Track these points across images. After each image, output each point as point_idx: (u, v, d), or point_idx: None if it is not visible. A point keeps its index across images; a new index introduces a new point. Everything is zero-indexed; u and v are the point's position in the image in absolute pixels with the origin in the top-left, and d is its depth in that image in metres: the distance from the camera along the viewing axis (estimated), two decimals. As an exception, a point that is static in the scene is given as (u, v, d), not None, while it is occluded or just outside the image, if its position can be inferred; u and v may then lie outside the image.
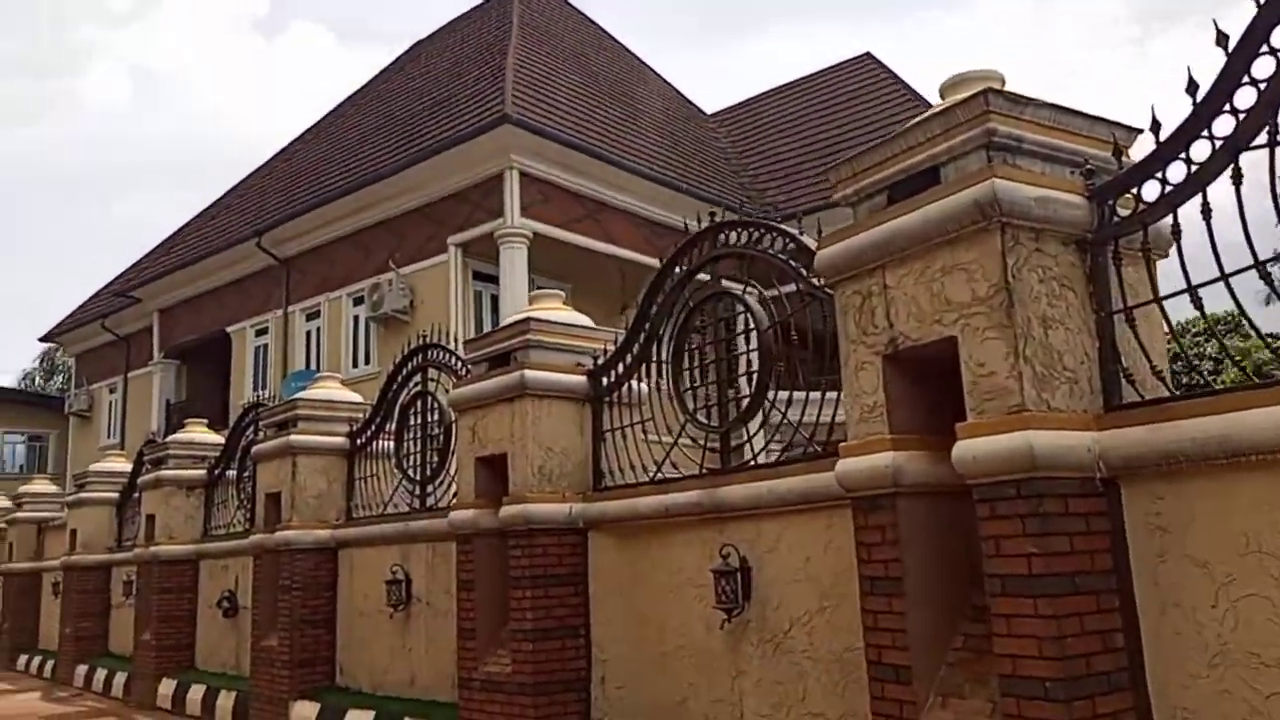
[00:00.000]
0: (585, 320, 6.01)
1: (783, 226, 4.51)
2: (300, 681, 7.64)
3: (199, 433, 11.10)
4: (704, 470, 4.83)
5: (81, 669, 12.10)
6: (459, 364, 6.98)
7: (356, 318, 15.71)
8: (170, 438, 11.14)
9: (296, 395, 8.37)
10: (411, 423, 7.57)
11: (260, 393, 16.04)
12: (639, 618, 5.16)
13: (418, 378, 7.55)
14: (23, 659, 14.48)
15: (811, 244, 4.23)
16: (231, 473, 10.27)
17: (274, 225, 16.73)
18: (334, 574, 7.99)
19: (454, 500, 6.23)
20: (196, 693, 9.18)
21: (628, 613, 5.25)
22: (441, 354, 7.27)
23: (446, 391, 7.15)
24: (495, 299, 14.36)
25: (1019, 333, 2.85)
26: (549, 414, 5.61)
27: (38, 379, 42.24)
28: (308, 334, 16.77)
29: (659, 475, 5.18)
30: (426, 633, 6.84)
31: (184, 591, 10.35)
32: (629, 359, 5.58)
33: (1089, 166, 3.13)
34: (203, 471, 10.65)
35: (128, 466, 12.97)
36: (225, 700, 8.66)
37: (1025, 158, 3.07)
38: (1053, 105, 3.11)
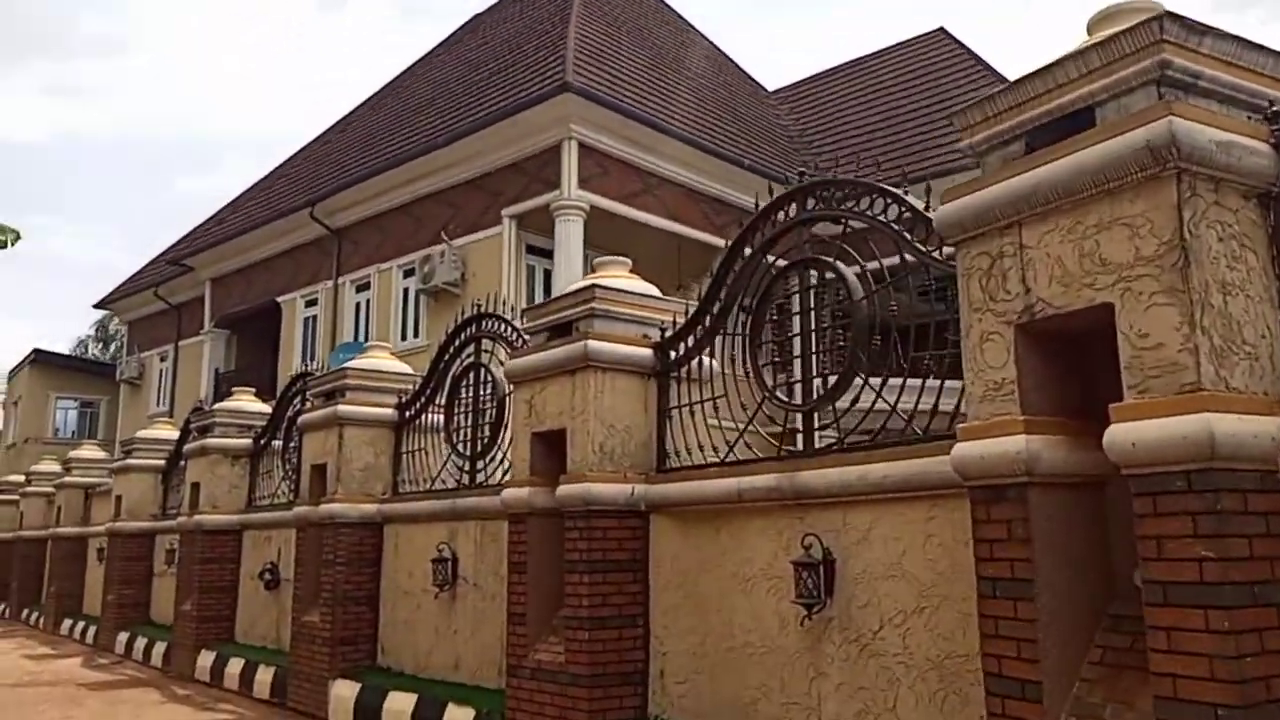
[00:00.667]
0: (652, 289, 5.66)
1: (886, 187, 4.08)
2: (341, 660, 7.45)
3: (246, 401, 11.01)
4: (783, 452, 4.46)
5: (123, 636, 12.15)
6: (515, 335, 6.69)
7: (407, 290, 15.57)
8: (217, 405, 11.07)
9: (345, 364, 8.17)
10: (462, 396, 7.31)
11: (309, 364, 15.98)
12: (704, 609, 4.83)
13: (470, 349, 7.29)
14: (67, 623, 14.67)
15: (919, 205, 3.85)
16: (277, 443, 10.15)
17: (327, 195, 16.66)
18: (378, 550, 7.78)
19: (507, 477, 5.94)
20: (235, 666, 9.09)
21: (691, 603, 4.91)
22: (496, 324, 6.99)
23: (500, 364, 6.89)
24: (548, 274, 14.07)
25: (1195, 299, 2.48)
26: (612, 388, 5.28)
27: (91, 347, 43.23)
28: (357, 306, 16.69)
29: (730, 457, 4.82)
30: (473, 615, 6.58)
31: (226, 562, 10.28)
32: (700, 331, 5.23)
33: (1275, 109, 2.75)
34: (249, 441, 10.56)
35: (174, 434, 12.99)
36: (264, 675, 8.53)
37: (1201, 97, 2.69)
38: (1235, 38, 2.75)
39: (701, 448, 5.31)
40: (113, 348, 39.45)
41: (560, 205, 12.92)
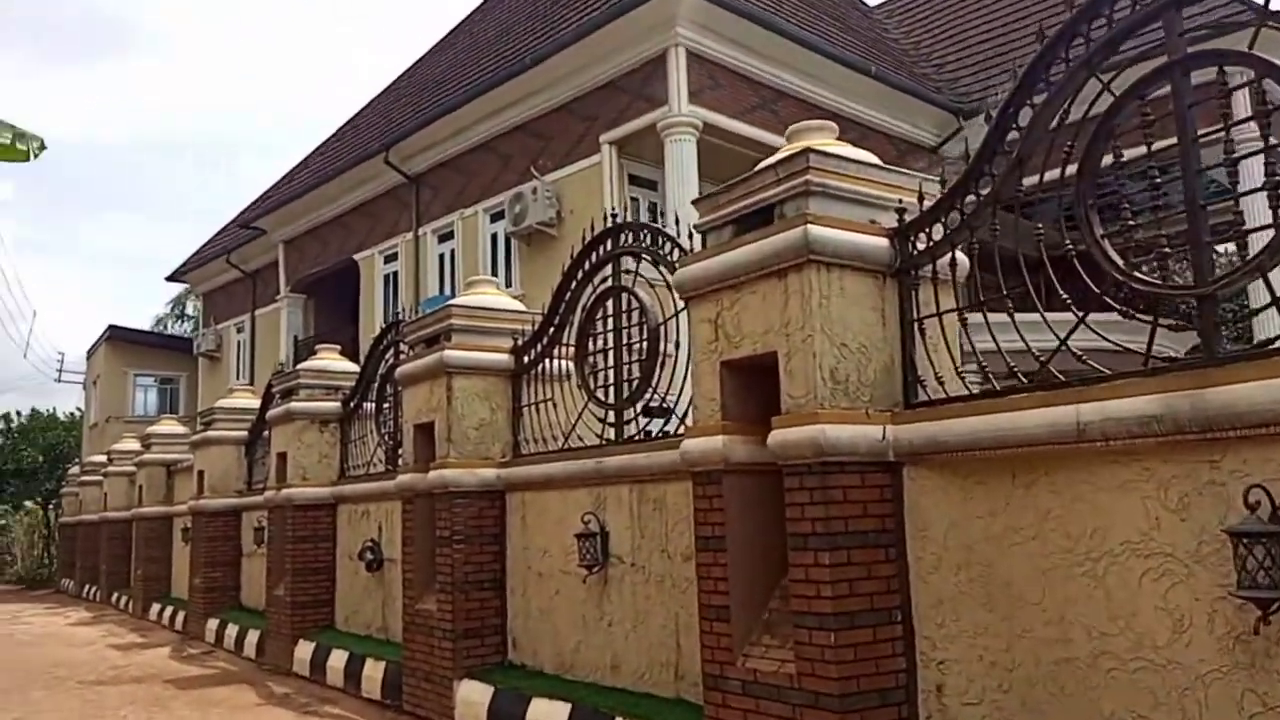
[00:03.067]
0: (876, 159, 4.18)
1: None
2: (465, 656, 6.28)
3: (332, 360, 9.92)
4: (1179, 357, 2.98)
5: (212, 623, 11.35)
6: (669, 248, 5.32)
7: (495, 235, 14.33)
8: (301, 365, 10.01)
9: (450, 302, 6.91)
10: (598, 330, 5.98)
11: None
12: (1008, 600, 3.41)
13: (607, 270, 5.94)
14: (155, 608, 14.07)
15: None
16: (369, 405, 9.04)
17: (401, 137, 15.47)
18: (502, 523, 6.56)
19: (686, 426, 4.57)
20: (338, 659, 8.05)
21: (983, 592, 3.50)
22: (642, 235, 5.61)
23: (653, 285, 5.53)
24: (655, 207, 12.66)
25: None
26: (841, 293, 3.85)
27: (170, 325, 43.54)
28: (440, 257, 15.54)
29: (1043, 378, 3.36)
30: (633, 603, 5.30)
31: (320, 540, 9.26)
32: (952, 211, 3.76)
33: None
34: (337, 404, 9.48)
35: (255, 402, 12.09)
36: (373, 670, 7.45)
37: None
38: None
39: (961, 375, 3.89)
40: (189, 325, 39.57)
41: (669, 124, 11.43)
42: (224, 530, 11.98)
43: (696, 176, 11.39)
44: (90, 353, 29.22)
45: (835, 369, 3.77)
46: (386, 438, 8.59)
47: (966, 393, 3.68)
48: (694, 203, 4.53)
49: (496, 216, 14.21)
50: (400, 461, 7.54)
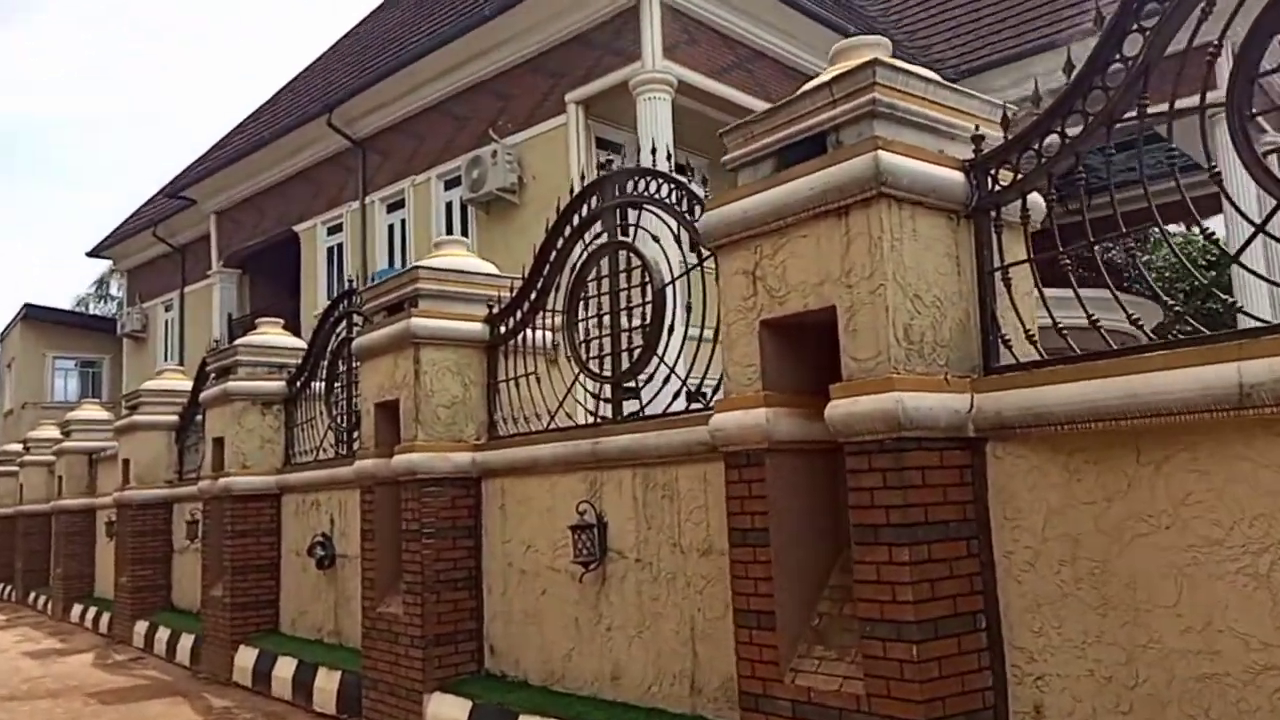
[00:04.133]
0: (934, 76, 3.57)
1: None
2: (437, 666, 5.60)
3: (275, 335, 9.08)
4: None
5: (141, 626, 10.45)
6: (678, 195, 4.68)
7: (450, 204, 13.51)
8: (239, 341, 9.13)
9: (417, 264, 6.17)
10: (590, 293, 5.31)
11: (336, 300, 14.08)
12: (1131, 605, 2.85)
13: (598, 226, 5.27)
14: (77, 609, 13.05)
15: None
16: (318, 384, 8.24)
17: (346, 98, 14.51)
18: (477, 514, 5.87)
19: (718, 400, 3.93)
20: (285, 668, 7.29)
21: (1095, 593, 2.94)
22: (643, 183, 4.95)
23: (655, 239, 4.89)
24: (624, 174, 11.95)
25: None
26: (913, 235, 3.25)
27: (91, 305, 41.53)
28: (390, 228, 14.65)
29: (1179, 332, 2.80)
30: (637, 605, 4.67)
31: (263, 535, 8.46)
32: (1036, 138, 3.18)
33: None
34: (281, 383, 8.65)
35: (187, 384, 11.15)
36: (326, 681, 6.72)
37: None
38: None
39: (1032, 339, 3.32)
40: (115, 307, 37.74)
41: (642, 80, 10.73)
42: (153, 524, 11.05)
43: (672, 138, 10.72)
44: (4, 334, 27.55)
45: (910, 326, 3.17)
46: (339, 419, 7.82)
47: (1061, 356, 3.09)
48: (722, 133, 3.88)
49: (452, 183, 13.39)
50: (358, 445, 6.79)
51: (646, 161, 5.08)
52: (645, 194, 4.93)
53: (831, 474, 3.60)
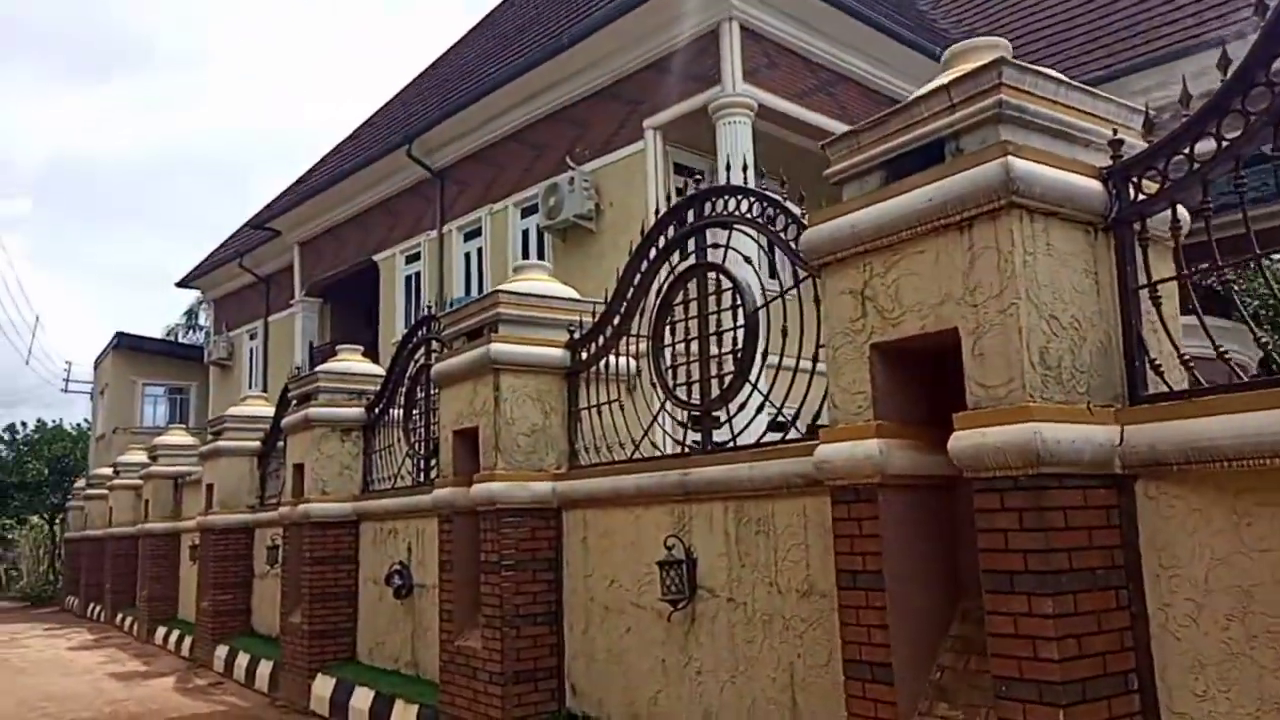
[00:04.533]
0: (1064, 77, 3.26)
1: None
2: (516, 703, 5.37)
3: (354, 361, 9.07)
4: None
5: (221, 651, 10.48)
6: (771, 215, 4.43)
7: (526, 232, 13.47)
8: (320, 368, 9.14)
9: (498, 288, 6.03)
10: (677, 317, 5.08)
11: (413, 328, 14.12)
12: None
13: (691, 243, 5.06)
14: (161, 631, 13.23)
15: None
16: (396, 411, 8.17)
17: (425, 128, 14.64)
18: (558, 546, 5.65)
19: (823, 429, 3.65)
20: (363, 699, 7.14)
21: (1272, 654, 2.56)
22: (734, 201, 4.72)
23: (747, 259, 4.64)
24: (701, 200, 11.75)
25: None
26: (1048, 249, 2.94)
27: (181, 335, 42.93)
28: (466, 256, 14.68)
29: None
30: (731, 648, 4.37)
31: (341, 562, 8.38)
32: (1217, 137, 2.83)
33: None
34: (360, 409, 8.61)
35: (269, 410, 11.27)
36: (404, 714, 6.55)
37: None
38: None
39: (1188, 364, 2.97)
40: (204, 336, 38.92)
41: (722, 105, 10.53)
42: (234, 549, 11.15)
43: (753, 163, 10.47)
44: (98, 362, 28.53)
45: (1045, 350, 2.85)
46: (417, 446, 7.72)
47: (1216, 384, 2.73)
48: (825, 145, 3.63)
49: (528, 211, 13.35)
50: (436, 474, 6.65)
51: (726, 181, 4.89)
52: (736, 213, 4.69)
53: (948, 512, 3.29)
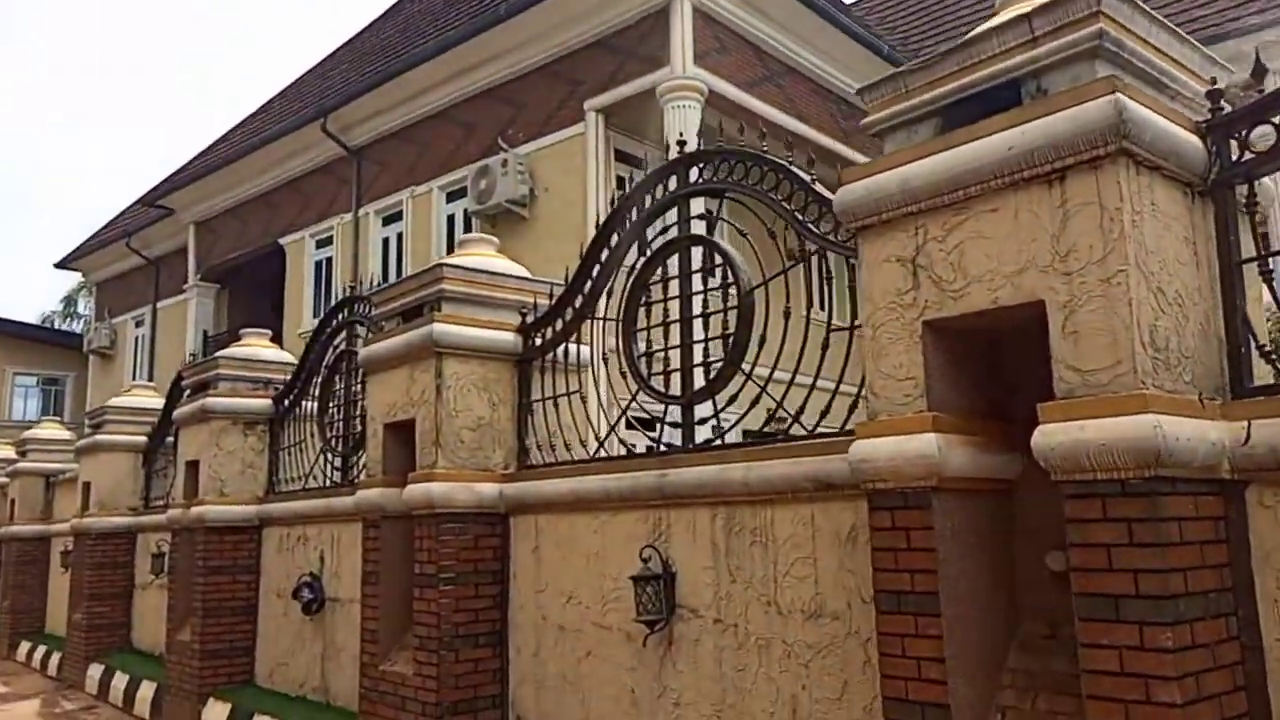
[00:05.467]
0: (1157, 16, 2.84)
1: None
2: (452, 739, 4.70)
3: (261, 347, 8.21)
4: None
5: (96, 670, 9.41)
6: (776, 179, 3.92)
7: (452, 216, 12.73)
8: (221, 353, 8.24)
9: (441, 261, 5.36)
10: (651, 298, 4.52)
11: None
12: None
13: (673, 214, 4.51)
14: (24, 647, 11.94)
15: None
16: (309, 403, 7.37)
17: (344, 102, 13.76)
18: (504, 556, 5.02)
19: (858, 422, 3.13)
20: (264, 729, 6.33)
21: None
22: (732, 165, 4.19)
23: (743, 235, 4.13)
24: (642, 190, 11.24)
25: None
26: (1153, 210, 2.51)
27: (57, 324, 40.19)
28: (385, 241, 13.83)
29: None
30: (717, 676, 3.83)
31: (240, 572, 7.53)
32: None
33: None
34: (267, 401, 7.77)
35: (158, 401, 10.23)
36: (312, 749, 5.78)
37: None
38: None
39: (1268, 354, 2.57)
40: (80, 325, 36.43)
41: (671, 87, 10.05)
42: (114, 555, 10.06)
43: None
44: (-38, 347, 26.29)
45: (1155, 329, 2.40)
46: (334, 443, 6.95)
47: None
48: (862, 90, 3.14)
49: (454, 195, 12.63)
50: (358, 474, 5.93)
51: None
52: (731, 180, 4.17)
53: (1006, 521, 2.82)
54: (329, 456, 7.00)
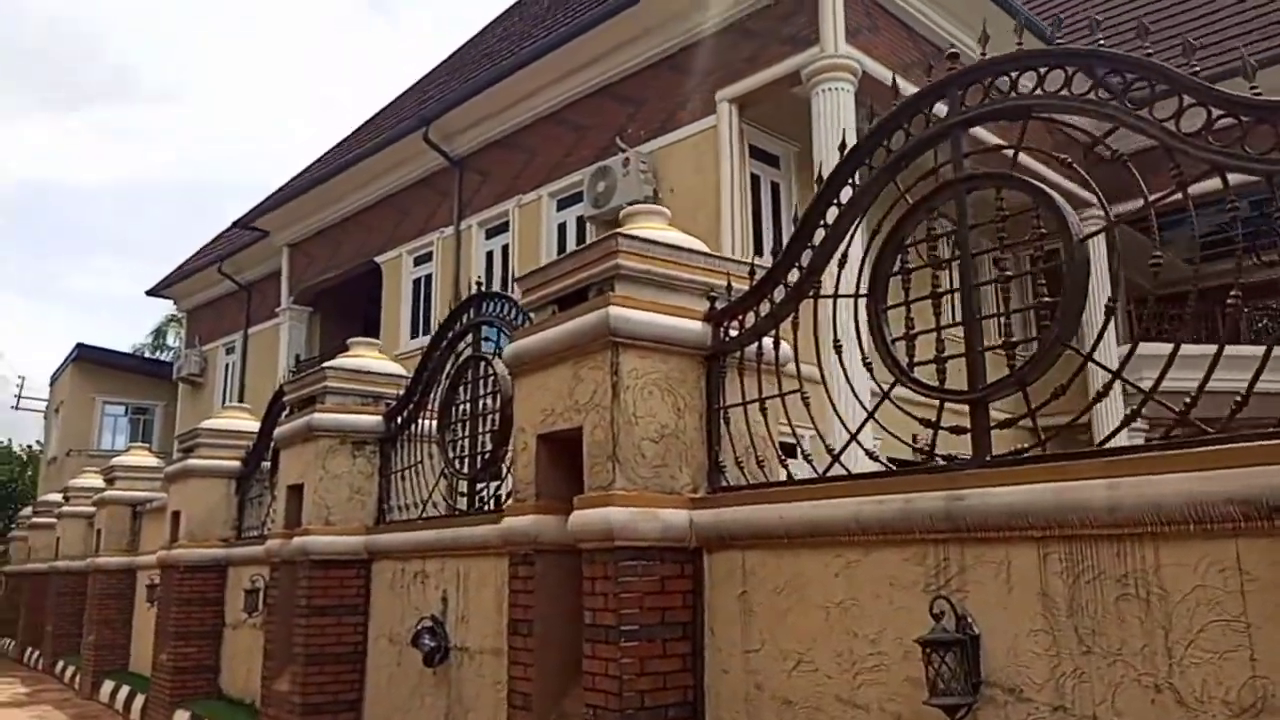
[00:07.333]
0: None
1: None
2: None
3: (372, 358, 7.35)
4: None
5: (181, 716, 8.61)
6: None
7: (564, 225, 11.87)
8: (328, 365, 7.38)
9: (615, 231, 4.33)
10: (915, 262, 3.44)
11: (423, 339, 12.45)
12: None
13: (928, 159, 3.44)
14: (108, 686, 11.30)
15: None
16: (427, 421, 6.45)
17: (446, 109, 13.09)
18: (695, 604, 3.92)
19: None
20: (378, 805, 5.33)
21: None
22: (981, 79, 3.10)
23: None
24: (777, 189, 10.22)
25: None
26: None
27: (146, 354, 40.88)
28: (489, 255, 13.05)
29: None
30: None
31: (347, 613, 6.62)
32: None
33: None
34: (378, 418, 6.89)
35: (253, 424, 9.52)
36: (440, 837, 4.74)
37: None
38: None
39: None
40: (170, 355, 36.88)
41: (821, 68, 9.00)
42: (203, 590, 9.31)
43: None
44: (55, 377, 26.55)
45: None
46: (456, 463, 6.00)
47: None
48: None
49: (565, 202, 11.78)
50: (509, 497, 4.94)
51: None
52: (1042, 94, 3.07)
53: None
54: (452, 479, 6.05)
